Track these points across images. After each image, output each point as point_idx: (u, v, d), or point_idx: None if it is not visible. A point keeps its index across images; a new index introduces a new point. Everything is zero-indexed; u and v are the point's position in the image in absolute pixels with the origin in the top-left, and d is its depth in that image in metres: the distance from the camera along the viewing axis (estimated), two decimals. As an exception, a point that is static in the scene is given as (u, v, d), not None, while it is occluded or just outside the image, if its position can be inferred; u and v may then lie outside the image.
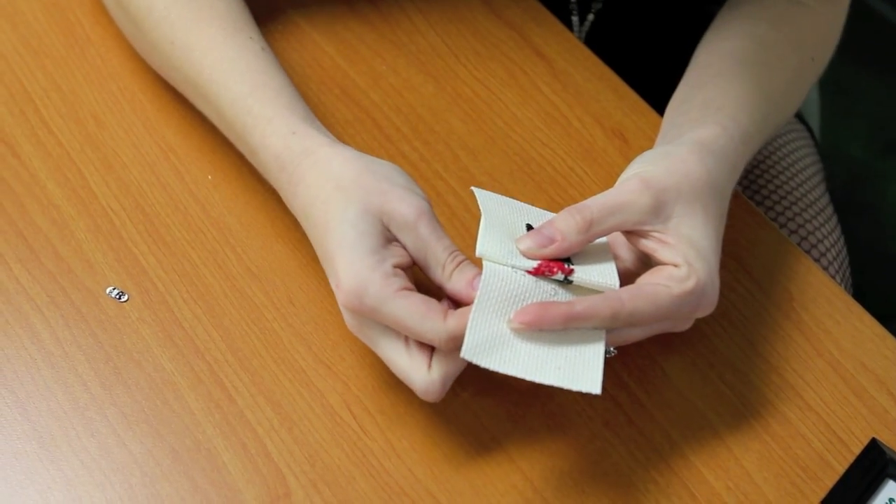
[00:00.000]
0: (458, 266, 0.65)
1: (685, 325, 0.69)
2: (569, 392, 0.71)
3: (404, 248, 0.66)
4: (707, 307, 0.67)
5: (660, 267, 0.67)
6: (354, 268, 0.63)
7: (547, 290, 0.65)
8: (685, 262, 0.66)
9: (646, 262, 0.69)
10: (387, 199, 0.65)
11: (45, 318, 0.71)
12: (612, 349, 0.68)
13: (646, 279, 0.66)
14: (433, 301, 0.63)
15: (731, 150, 0.72)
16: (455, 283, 0.65)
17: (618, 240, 0.71)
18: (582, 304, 0.63)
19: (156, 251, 0.74)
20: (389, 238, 0.65)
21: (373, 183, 0.66)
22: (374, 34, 0.87)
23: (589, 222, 0.65)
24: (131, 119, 0.80)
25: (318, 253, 0.68)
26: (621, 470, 0.69)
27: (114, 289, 0.73)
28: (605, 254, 0.68)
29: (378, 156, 0.71)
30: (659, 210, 0.67)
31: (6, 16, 0.84)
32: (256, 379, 0.70)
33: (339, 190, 0.66)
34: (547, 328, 0.63)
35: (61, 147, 0.78)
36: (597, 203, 0.66)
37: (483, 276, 0.64)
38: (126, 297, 0.72)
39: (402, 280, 0.64)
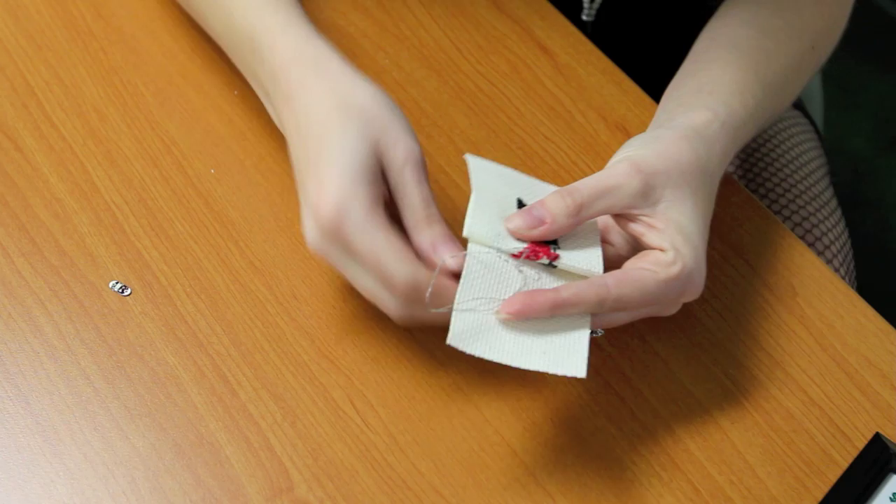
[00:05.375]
0: (427, 219, 0.65)
1: (672, 310, 0.69)
2: (572, 386, 0.71)
3: (387, 186, 0.66)
4: (693, 292, 0.67)
5: (646, 251, 0.67)
6: (343, 189, 0.63)
7: (531, 276, 0.65)
8: (672, 247, 0.66)
9: (635, 248, 0.69)
10: (385, 134, 0.65)
11: (48, 312, 0.71)
12: (599, 331, 0.68)
13: (631, 263, 0.66)
14: (408, 246, 0.64)
15: (722, 136, 0.72)
16: (421, 238, 0.65)
17: (609, 224, 0.70)
18: (568, 290, 0.63)
19: (158, 245, 0.74)
20: (378, 172, 0.65)
21: (377, 114, 0.66)
22: (377, 28, 0.87)
23: (579, 205, 0.65)
24: (134, 113, 0.80)
25: (300, 166, 0.67)
26: (624, 464, 0.69)
27: (116, 283, 0.73)
28: (592, 237, 0.67)
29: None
30: (648, 194, 0.67)
31: (8, 9, 0.84)
32: (259, 373, 0.70)
33: (343, 110, 0.65)
34: (534, 317, 0.63)
35: (64, 141, 0.78)
36: (587, 186, 0.66)
37: (466, 264, 0.64)
38: (129, 291, 0.72)
39: (384, 216, 0.64)
